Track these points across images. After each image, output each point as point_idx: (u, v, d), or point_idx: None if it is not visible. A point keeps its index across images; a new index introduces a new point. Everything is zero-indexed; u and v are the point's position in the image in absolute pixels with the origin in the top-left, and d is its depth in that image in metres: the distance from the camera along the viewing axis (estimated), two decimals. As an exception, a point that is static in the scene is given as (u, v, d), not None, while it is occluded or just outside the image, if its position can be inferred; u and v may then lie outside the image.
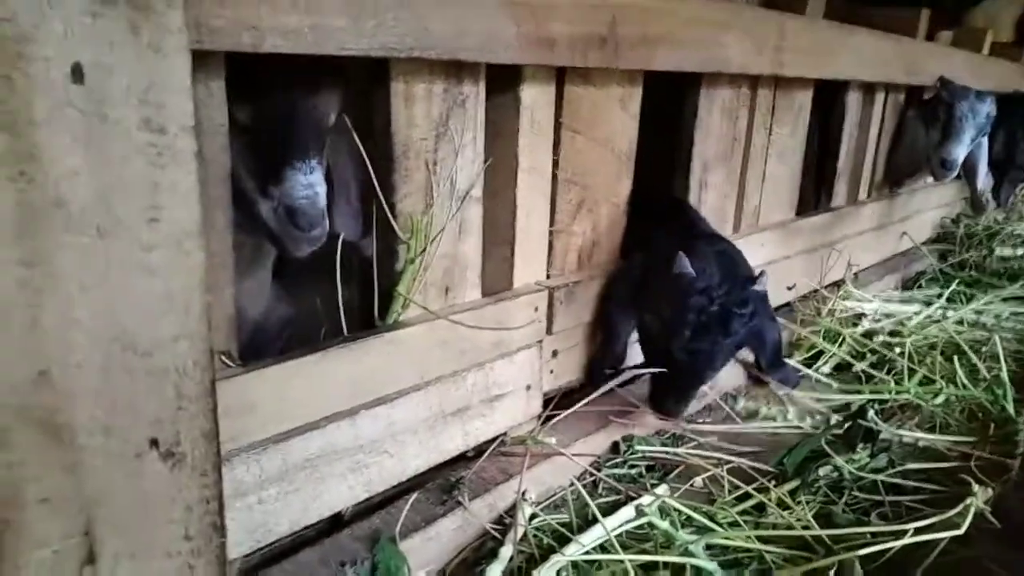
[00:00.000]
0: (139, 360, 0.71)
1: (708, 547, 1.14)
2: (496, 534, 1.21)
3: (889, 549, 1.06)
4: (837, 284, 2.49)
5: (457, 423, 1.27)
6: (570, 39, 1.25)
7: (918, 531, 1.07)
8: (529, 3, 1.16)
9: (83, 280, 0.67)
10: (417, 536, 1.14)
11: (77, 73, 0.64)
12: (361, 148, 1.09)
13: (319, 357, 1.03)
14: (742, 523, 1.21)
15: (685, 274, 1.36)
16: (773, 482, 1.37)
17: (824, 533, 1.14)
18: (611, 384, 1.44)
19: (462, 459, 1.32)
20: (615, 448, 1.49)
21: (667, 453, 1.49)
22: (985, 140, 2.93)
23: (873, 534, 1.12)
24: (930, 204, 3.29)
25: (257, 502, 0.98)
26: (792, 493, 1.33)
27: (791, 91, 2.07)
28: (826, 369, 2.01)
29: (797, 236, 2.25)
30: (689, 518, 1.20)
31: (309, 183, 0.99)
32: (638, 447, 1.48)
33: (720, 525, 1.19)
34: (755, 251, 1.97)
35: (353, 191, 1.18)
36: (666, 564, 1.08)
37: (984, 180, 3.16)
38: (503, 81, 1.27)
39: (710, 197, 1.87)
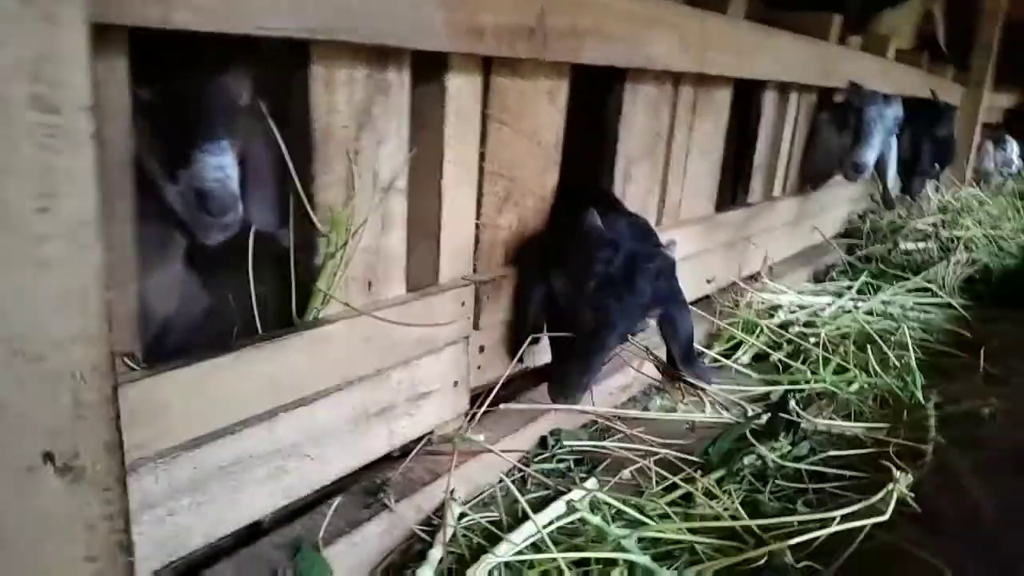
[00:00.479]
0: (30, 365, 0.64)
1: (639, 540, 1.13)
2: (424, 536, 1.18)
3: (818, 537, 1.07)
4: (753, 277, 2.56)
5: (382, 423, 1.22)
6: (498, 29, 1.23)
7: (844, 518, 1.10)
8: (457, -11, 1.12)
9: (-37, 276, 0.60)
10: (341, 542, 1.09)
11: (-46, 43, 0.57)
12: (278, 134, 1.04)
13: (233, 357, 0.97)
14: (672, 515, 1.21)
15: (594, 227, 1.34)
16: (699, 472, 1.39)
17: (753, 523, 1.15)
18: (523, 348, 1.41)
19: (388, 460, 1.27)
20: (543, 442, 1.47)
21: (594, 446, 1.48)
22: (894, 140, 3.07)
23: (800, 522, 1.14)
24: (838, 200, 3.43)
25: (168, 514, 0.91)
26: (718, 482, 1.34)
27: (712, 89, 2.10)
28: (745, 359, 2.06)
29: (717, 230, 2.29)
30: (619, 511, 1.20)
31: (220, 165, 0.93)
32: (565, 441, 1.47)
33: (650, 517, 1.19)
34: (677, 244, 1.99)
35: (269, 179, 1.12)
36: (599, 559, 1.06)
37: (894, 179, 3.31)
38: (429, 69, 1.23)
39: (634, 191, 1.88)
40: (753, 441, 1.42)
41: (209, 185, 0.92)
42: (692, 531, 1.16)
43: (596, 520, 1.09)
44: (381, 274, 1.23)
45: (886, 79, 3.21)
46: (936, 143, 3.46)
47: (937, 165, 3.55)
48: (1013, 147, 5.47)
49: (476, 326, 1.39)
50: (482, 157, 1.37)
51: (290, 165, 1.05)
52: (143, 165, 0.90)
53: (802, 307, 2.38)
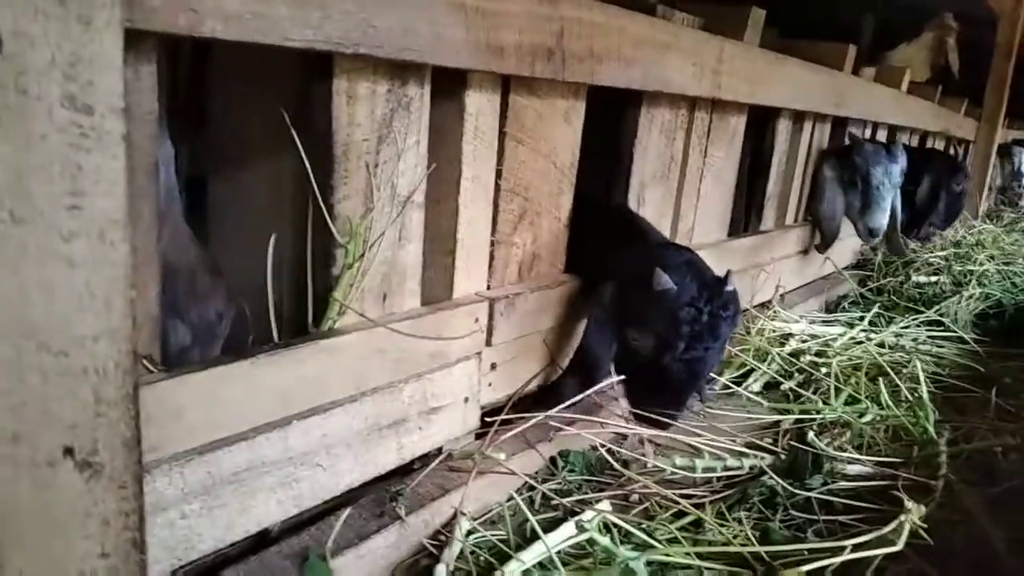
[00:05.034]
0: (54, 360, 0.65)
1: (647, 563, 1.12)
2: (433, 550, 1.17)
3: (828, 565, 1.06)
4: (765, 305, 2.55)
5: (393, 436, 1.22)
6: (518, 48, 1.24)
7: (855, 547, 1.08)
8: (478, 7, 1.14)
9: (-8, 269, 0.61)
10: (349, 553, 1.09)
11: (-6, 41, 0.59)
12: (300, 145, 1.05)
13: (249, 364, 0.98)
14: (681, 539, 1.20)
15: (668, 290, 1.37)
16: (709, 496, 1.37)
17: (764, 549, 1.14)
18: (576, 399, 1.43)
19: (397, 473, 1.27)
20: (553, 463, 1.46)
21: (603, 469, 1.47)
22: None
23: (811, 550, 1.12)
24: (850, 231, 3.42)
25: (179, 517, 0.91)
26: (728, 510, 1.33)
27: (726, 115, 2.11)
28: (756, 387, 2.05)
29: (729, 256, 2.29)
30: (628, 534, 1.19)
31: None
32: (575, 462, 1.46)
33: (659, 542, 1.18)
34: (732, 274, 1.98)
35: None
36: (607, 581, 1.06)
37: (902, 224, 3.30)
38: (449, 86, 1.24)
39: (647, 214, 1.88)
40: (767, 470, 1.40)
41: None
42: (701, 556, 1.15)
43: (605, 541, 1.08)
44: (396, 287, 1.23)
45: (899, 111, 3.23)
46: (950, 198, 3.51)
47: (947, 220, 3.61)
48: (1022, 158, 5.45)
49: (489, 343, 1.39)
50: (499, 175, 1.39)
51: (311, 177, 1.07)
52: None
53: (814, 337, 2.37)
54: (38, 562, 0.66)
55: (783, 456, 1.53)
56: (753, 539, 1.23)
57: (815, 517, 1.34)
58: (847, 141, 2.92)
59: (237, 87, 1.31)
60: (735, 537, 1.21)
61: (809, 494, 1.39)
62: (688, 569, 1.14)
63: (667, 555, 1.14)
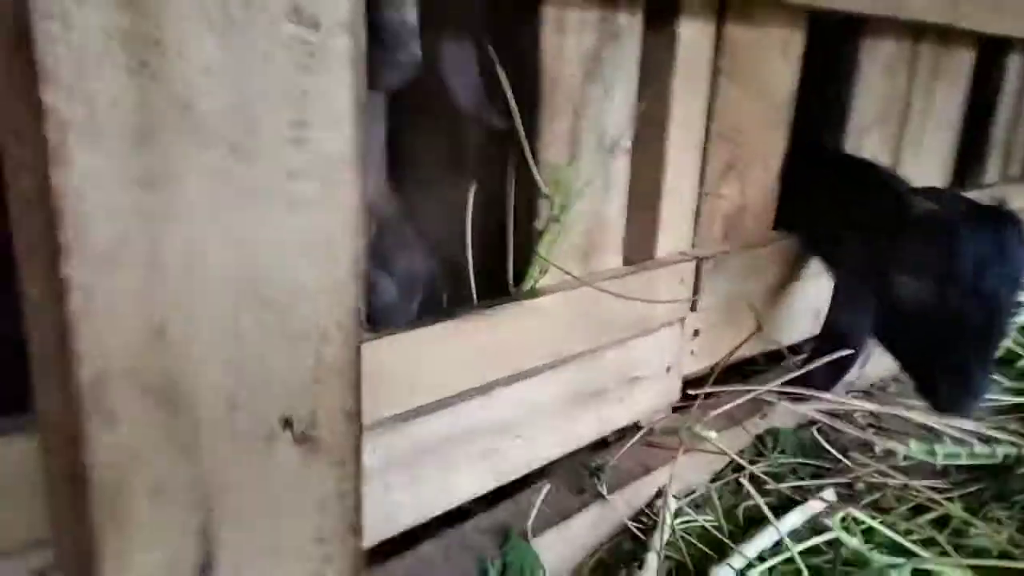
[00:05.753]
0: (275, 317, 0.57)
1: (893, 568, 0.96)
2: (636, 532, 1.06)
3: None
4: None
5: (593, 406, 1.11)
6: (745, -36, 1.07)
7: None
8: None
9: (212, 210, 0.53)
10: (550, 533, 0.99)
11: (216, -56, 0.50)
12: (506, 83, 0.94)
13: (453, 325, 0.89)
14: (941, 542, 1.01)
15: (935, 213, 1.12)
16: (952, 489, 1.18)
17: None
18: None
19: (593, 447, 1.16)
20: (761, 442, 1.31)
21: (819, 452, 1.30)
22: None
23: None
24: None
25: (383, 489, 0.84)
26: (980, 507, 1.13)
27: (955, 50, 1.82)
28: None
29: (946, 214, 2.00)
30: (869, 530, 1.02)
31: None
32: (786, 442, 1.30)
33: (913, 544, 1.00)
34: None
35: (471, 50, 0.99)
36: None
37: None
38: (660, 14, 1.09)
39: (861, 164, 1.65)
40: None
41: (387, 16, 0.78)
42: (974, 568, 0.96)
43: (854, 542, 0.92)
44: (599, 244, 1.11)
45: None
46: None
47: None
48: None
49: (693, 307, 1.25)
50: (708, 116, 1.22)
51: (517, 120, 0.95)
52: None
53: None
54: (252, 546, 0.59)
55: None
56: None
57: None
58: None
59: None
60: (997, 541, 1.02)
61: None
62: (946, 579, 0.96)
63: (939, 565, 0.95)
